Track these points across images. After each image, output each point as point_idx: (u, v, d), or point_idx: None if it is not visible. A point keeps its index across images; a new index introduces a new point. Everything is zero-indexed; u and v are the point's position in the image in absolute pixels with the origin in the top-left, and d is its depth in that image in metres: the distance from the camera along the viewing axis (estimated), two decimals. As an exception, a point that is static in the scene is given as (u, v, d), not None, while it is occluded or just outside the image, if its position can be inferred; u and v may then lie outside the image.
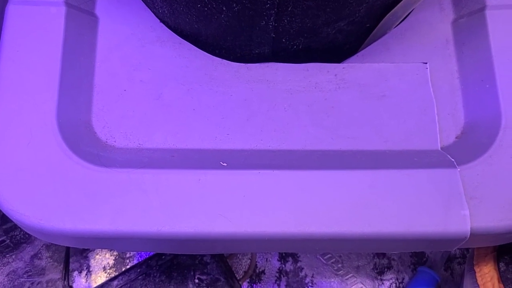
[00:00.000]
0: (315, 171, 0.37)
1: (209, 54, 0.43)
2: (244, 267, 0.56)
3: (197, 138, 0.40)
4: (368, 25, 0.44)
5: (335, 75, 0.43)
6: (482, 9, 0.42)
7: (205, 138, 0.40)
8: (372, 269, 0.57)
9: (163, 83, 0.42)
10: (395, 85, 0.42)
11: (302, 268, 0.56)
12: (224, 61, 0.43)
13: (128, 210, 0.36)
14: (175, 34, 0.44)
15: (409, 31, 0.44)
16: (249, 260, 0.56)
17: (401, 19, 0.43)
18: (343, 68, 0.43)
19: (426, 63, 0.43)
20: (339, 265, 0.57)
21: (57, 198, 0.36)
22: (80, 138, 0.39)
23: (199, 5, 0.39)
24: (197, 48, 0.44)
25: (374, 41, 0.45)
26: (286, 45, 0.42)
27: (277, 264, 0.57)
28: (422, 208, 0.36)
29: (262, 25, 0.39)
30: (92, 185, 0.36)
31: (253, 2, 0.37)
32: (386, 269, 0.57)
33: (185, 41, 0.44)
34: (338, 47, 0.44)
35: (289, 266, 0.56)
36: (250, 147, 0.40)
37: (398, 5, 0.42)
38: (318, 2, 0.37)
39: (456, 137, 0.41)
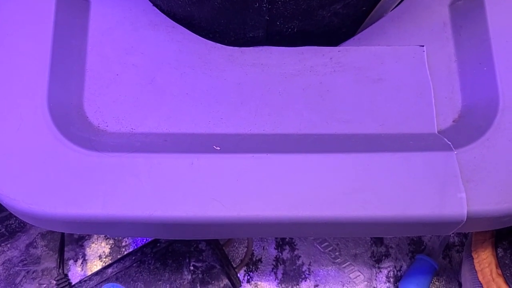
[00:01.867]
0: (309, 154, 0.36)
1: (202, 38, 0.43)
2: (240, 255, 0.56)
3: (190, 122, 0.40)
4: (364, 8, 0.43)
5: (331, 58, 0.42)
6: (480, -9, 0.42)
7: (198, 122, 0.40)
8: (370, 257, 0.56)
9: (156, 67, 0.41)
10: (391, 68, 0.41)
11: (299, 256, 0.56)
12: (218, 45, 0.43)
13: (120, 194, 0.35)
14: (168, 18, 0.43)
15: (406, 14, 0.44)
16: (246, 248, 0.56)
17: (397, 2, 0.43)
18: (339, 51, 0.42)
19: (423, 46, 0.42)
20: (337, 253, 0.56)
21: (48, 183, 0.35)
22: (71, 122, 0.39)
23: (191, -13, 0.38)
24: (191, 32, 0.43)
25: (371, 24, 0.44)
26: (280, 28, 0.42)
27: (274, 252, 0.56)
28: (418, 191, 0.35)
29: (256, 7, 0.39)
30: (84, 169, 0.36)
31: (246, -17, 0.36)
32: (384, 257, 0.56)
33: (178, 25, 0.43)
34: (334, 30, 0.44)
35: (286, 254, 0.56)
36: (244, 131, 0.40)
37: (395, -14, 0.41)
38: (312, -18, 0.36)
39: (453, 121, 0.41)
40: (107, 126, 0.40)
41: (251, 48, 0.42)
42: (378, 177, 0.36)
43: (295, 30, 0.42)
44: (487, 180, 0.36)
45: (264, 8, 0.39)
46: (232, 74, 0.41)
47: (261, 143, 0.38)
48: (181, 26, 0.43)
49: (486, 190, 0.36)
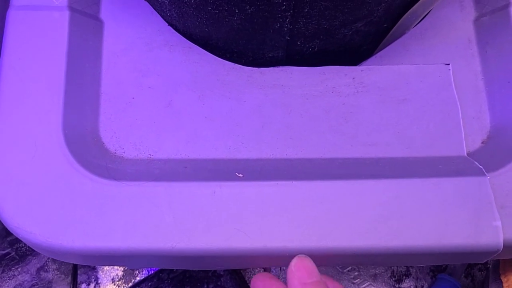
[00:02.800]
0: (336, 181, 0.35)
1: (220, 59, 0.41)
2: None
3: (210, 147, 0.38)
4: (385, 25, 0.42)
5: (353, 78, 0.41)
6: (506, 6, 0.40)
7: (218, 147, 0.38)
8: (390, 277, 0.55)
9: (173, 89, 0.40)
10: (417, 88, 0.40)
11: (317, 277, 0.54)
12: (236, 65, 0.41)
13: (140, 225, 0.34)
14: (184, 38, 0.42)
15: (428, 30, 0.42)
16: (263, 270, 0.54)
17: (420, 19, 0.41)
18: (361, 71, 0.41)
19: (449, 64, 0.41)
20: (356, 273, 0.55)
21: (65, 214, 0.34)
22: (87, 149, 0.37)
23: (209, 8, 0.37)
24: (208, 53, 0.42)
25: (393, 41, 0.43)
26: (301, 47, 0.40)
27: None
28: (450, 220, 0.34)
29: (277, 27, 0.37)
30: (102, 199, 0.34)
31: (268, 4, 0.35)
32: (404, 277, 0.55)
33: (195, 45, 0.42)
34: (355, 48, 0.43)
35: (303, 275, 0.54)
36: (266, 156, 0.38)
37: (417, 3, 0.40)
38: (336, 2, 0.35)
39: (482, 142, 0.39)
40: (124, 153, 0.38)
41: (270, 68, 0.41)
42: (408, 204, 0.34)
43: (316, 49, 0.41)
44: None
45: (285, 29, 0.38)
46: (252, 96, 0.40)
47: (284, 169, 0.37)
48: (197, 47, 0.42)
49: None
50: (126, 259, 0.35)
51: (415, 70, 0.40)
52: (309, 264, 0.31)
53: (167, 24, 0.42)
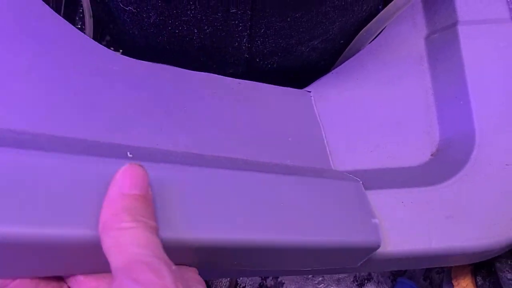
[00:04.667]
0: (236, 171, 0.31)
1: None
2: (225, 284, 0.55)
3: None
4: (342, 41, 0.43)
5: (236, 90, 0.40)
6: (454, 24, 0.42)
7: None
8: (353, 281, 0.57)
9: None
10: (281, 107, 0.40)
11: (283, 283, 0.56)
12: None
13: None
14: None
15: (383, 47, 0.44)
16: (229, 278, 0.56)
17: (374, 36, 0.43)
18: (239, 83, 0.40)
19: (310, 91, 0.41)
20: (320, 279, 0.56)
21: None
22: None
23: (169, 27, 0.38)
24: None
25: (349, 57, 0.44)
26: (260, 64, 0.42)
27: (258, 280, 0.56)
28: (330, 217, 0.32)
29: (235, 46, 0.39)
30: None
31: (225, 25, 0.36)
32: (366, 281, 0.57)
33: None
34: (313, 64, 0.44)
35: (270, 281, 0.56)
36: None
37: (371, 22, 0.42)
38: (291, 23, 0.36)
39: (432, 154, 0.41)
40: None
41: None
42: (290, 199, 0.31)
43: (275, 65, 0.42)
44: (466, 216, 0.37)
45: (244, 47, 0.39)
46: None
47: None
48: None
49: (465, 226, 0.37)
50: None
51: (281, 91, 0.41)
52: (139, 173, 0.25)
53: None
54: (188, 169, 0.29)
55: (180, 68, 0.38)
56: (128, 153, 0.29)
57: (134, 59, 0.36)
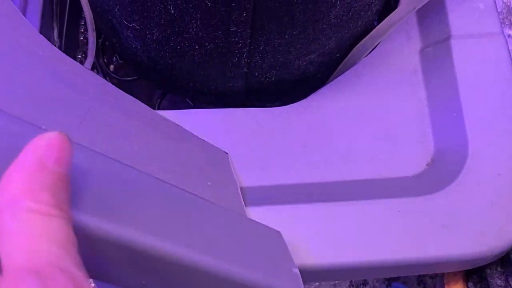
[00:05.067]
0: None
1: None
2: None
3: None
4: (338, 55, 0.45)
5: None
6: (447, 38, 0.44)
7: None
8: (349, 286, 0.58)
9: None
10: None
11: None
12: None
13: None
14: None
15: (378, 60, 0.45)
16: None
17: (370, 50, 0.44)
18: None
19: (227, 153, 0.41)
20: (316, 284, 0.58)
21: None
22: None
23: (171, 43, 0.39)
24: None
25: (346, 70, 0.45)
26: (259, 78, 0.43)
27: None
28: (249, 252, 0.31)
29: (235, 61, 0.40)
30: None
31: (226, 42, 0.37)
32: (361, 286, 0.58)
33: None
34: (310, 77, 0.45)
35: None
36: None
37: (366, 36, 0.43)
38: (289, 40, 0.38)
39: (427, 164, 0.43)
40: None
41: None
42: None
43: (273, 79, 0.44)
44: (461, 225, 0.38)
45: (243, 62, 0.40)
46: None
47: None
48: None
49: (460, 234, 0.38)
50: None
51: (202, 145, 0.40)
52: (67, 148, 0.19)
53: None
54: (112, 163, 0.26)
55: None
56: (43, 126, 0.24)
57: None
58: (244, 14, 0.33)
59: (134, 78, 0.55)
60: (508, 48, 0.43)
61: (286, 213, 0.38)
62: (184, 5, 0.33)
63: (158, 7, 0.34)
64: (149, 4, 0.34)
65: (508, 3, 0.57)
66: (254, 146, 0.42)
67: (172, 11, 0.34)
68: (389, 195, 0.40)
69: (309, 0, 0.32)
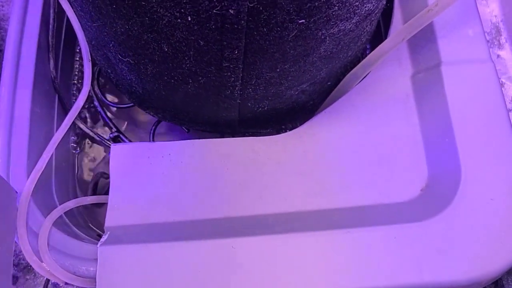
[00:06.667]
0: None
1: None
2: None
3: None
4: (329, 83, 0.45)
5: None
6: (438, 64, 0.44)
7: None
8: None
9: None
10: None
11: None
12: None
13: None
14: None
15: (371, 87, 0.46)
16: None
17: (360, 79, 0.45)
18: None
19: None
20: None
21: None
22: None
23: (165, 77, 0.39)
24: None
25: (338, 97, 0.46)
26: (252, 108, 0.43)
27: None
28: None
29: (228, 93, 0.40)
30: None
31: (218, 76, 0.38)
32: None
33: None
34: (302, 104, 0.46)
35: None
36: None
37: (358, 65, 0.44)
38: (280, 73, 0.38)
39: (421, 190, 0.43)
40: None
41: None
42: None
43: (266, 108, 0.44)
44: (456, 250, 0.39)
45: (236, 94, 0.41)
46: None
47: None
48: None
49: (455, 259, 0.39)
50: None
51: None
52: None
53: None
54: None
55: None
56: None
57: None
58: (236, 52, 0.33)
59: (129, 105, 0.56)
60: (497, 74, 0.44)
61: (281, 242, 0.39)
62: (177, 44, 0.34)
63: (152, 45, 0.35)
64: (143, 42, 0.35)
65: (497, 24, 0.58)
66: (251, 175, 0.43)
67: (166, 49, 0.35)
68: (385, 221, 0.40)
69: (299, 37, 0.33)
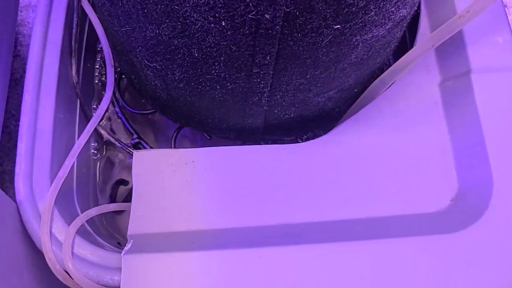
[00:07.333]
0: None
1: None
2: None
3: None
4: (356, 90, 0.44)
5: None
6: (468, 72, 0.43)
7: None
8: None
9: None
10: None
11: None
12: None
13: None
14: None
15: (398, 94, 0.45)
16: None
17: (388, 86, 0.44)
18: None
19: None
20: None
21: None
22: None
23: (193, 83, 0.39)
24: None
25: (364, 105, 0.45)
26: (278, 115, 0.43)
27: None
28: None
29: (255, 100, 0.40)
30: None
31: (247, 82, 0.37)
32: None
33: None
34: (328, 111, 0.45)
35: None
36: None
37: (384, 72, 0.43)
38: (310, 79, 0.37)
39: (451, 200, 0.42)
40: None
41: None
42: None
43: (292, 115, 0.43)
44: (487, 262, 0.38)
45: (264, 101, 0.40)
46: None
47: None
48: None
49: (487, 273, 0.37)
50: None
51: None
52: None
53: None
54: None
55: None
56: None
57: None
58: (268, 58, 0.33)
59: (150, 111, 0.55)
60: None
61: (307, 252, 0.38)
62: (208, 49, 0.33)
63: (181, 50, 0.34)
64: (172, 47, 0.34)
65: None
66: (276, 183, 0.42)
67: (196, 54, 0.34)
68: (415, 232, 0.39)
69: (333, 43, 0.32)
